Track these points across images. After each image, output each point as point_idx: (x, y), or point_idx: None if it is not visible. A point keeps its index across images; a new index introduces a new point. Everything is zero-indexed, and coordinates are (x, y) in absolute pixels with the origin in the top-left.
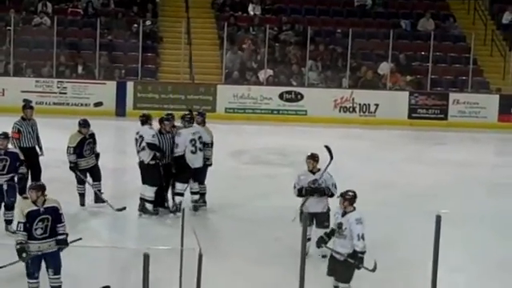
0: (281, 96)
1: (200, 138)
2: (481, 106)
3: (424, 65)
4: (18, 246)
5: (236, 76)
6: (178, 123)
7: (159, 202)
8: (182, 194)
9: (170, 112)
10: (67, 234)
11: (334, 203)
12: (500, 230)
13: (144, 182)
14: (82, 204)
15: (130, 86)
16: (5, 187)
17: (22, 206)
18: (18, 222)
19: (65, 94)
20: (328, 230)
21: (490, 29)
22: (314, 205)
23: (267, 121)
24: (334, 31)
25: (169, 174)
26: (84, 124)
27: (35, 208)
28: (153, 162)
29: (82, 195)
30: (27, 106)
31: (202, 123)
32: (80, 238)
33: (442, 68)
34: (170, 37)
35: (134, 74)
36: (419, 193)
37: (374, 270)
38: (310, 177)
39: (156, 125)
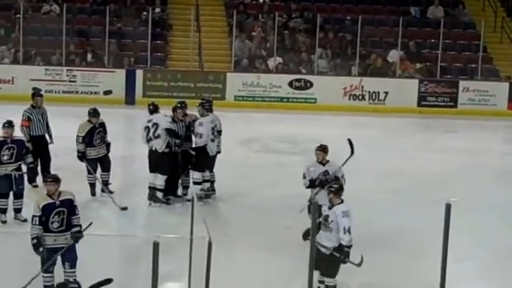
0: (290, 84)
1: (216, 125)
2: (490, 93)
3: (433, 52)
4: (35, 241)
5: (245, 64)
6: (189, 111)
7: (170, 190)
8: (200, 183)
9: (182, 100)
10: (81, 226)
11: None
12: (509, 218)
13: (155, 170)
14: (93, 194)
15: (139, 73)
16: (14, 176)
17: (38, 199)
18: (33, 216)
19: (74, 82)
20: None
21: (500, 16)
22: (324, 197)
23: (276, 109)
24: (344, 18)
25: (185, 162)
26: (94, 113)
27: (51, 201)
28: (167, 150)
29: (92, 185)
30: (37, 93)
31: (210, 111)
32: (91, 223)
33: (452, 55)
34: (179, 24)
35: (144, 62)
36: (428, 180)
37: (359, 264)
38: (320, 168)
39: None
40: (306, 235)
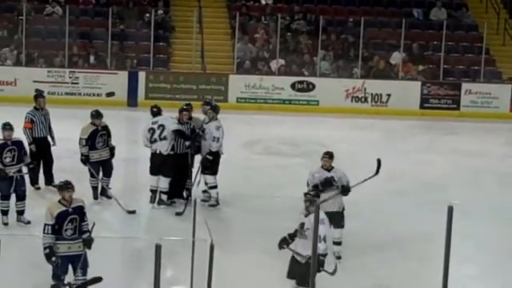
0: (293, 86)
1: None
2: (493, 96)
3: (436, 54)
4: (47, 250)
5: (248, 66)
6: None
7: (176, 193)
8: (215, 187)
9: (188, 102)
10: (90, 231)
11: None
12: (510, 220)
13: (157, 173)
14: (96, 198)
15: (141, 75)
16: (15, 177)
17: (50, 206)
18: (45, 224)
19: (77, 84)
20: (293, 231)
21: (503, 18)
22: (330, 204)
23: (279, 111)
24: (346, 20)
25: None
26: (96, 115)
27: (64, 209)
28: (171, 153)
29: (95, 188)
30: (40, 95)
31: None
32: (94, 223)
33: (455, 58)
34: (181, 26)
35: (146, 64)
36: (430, 183)
37: (333, 273)
38: (324, 174)
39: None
40: (281, 243)
